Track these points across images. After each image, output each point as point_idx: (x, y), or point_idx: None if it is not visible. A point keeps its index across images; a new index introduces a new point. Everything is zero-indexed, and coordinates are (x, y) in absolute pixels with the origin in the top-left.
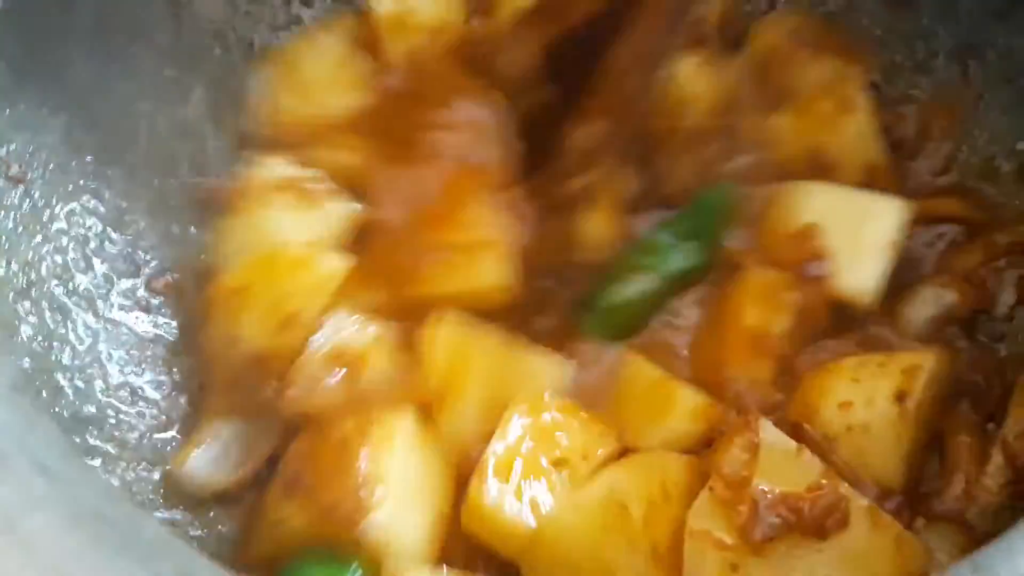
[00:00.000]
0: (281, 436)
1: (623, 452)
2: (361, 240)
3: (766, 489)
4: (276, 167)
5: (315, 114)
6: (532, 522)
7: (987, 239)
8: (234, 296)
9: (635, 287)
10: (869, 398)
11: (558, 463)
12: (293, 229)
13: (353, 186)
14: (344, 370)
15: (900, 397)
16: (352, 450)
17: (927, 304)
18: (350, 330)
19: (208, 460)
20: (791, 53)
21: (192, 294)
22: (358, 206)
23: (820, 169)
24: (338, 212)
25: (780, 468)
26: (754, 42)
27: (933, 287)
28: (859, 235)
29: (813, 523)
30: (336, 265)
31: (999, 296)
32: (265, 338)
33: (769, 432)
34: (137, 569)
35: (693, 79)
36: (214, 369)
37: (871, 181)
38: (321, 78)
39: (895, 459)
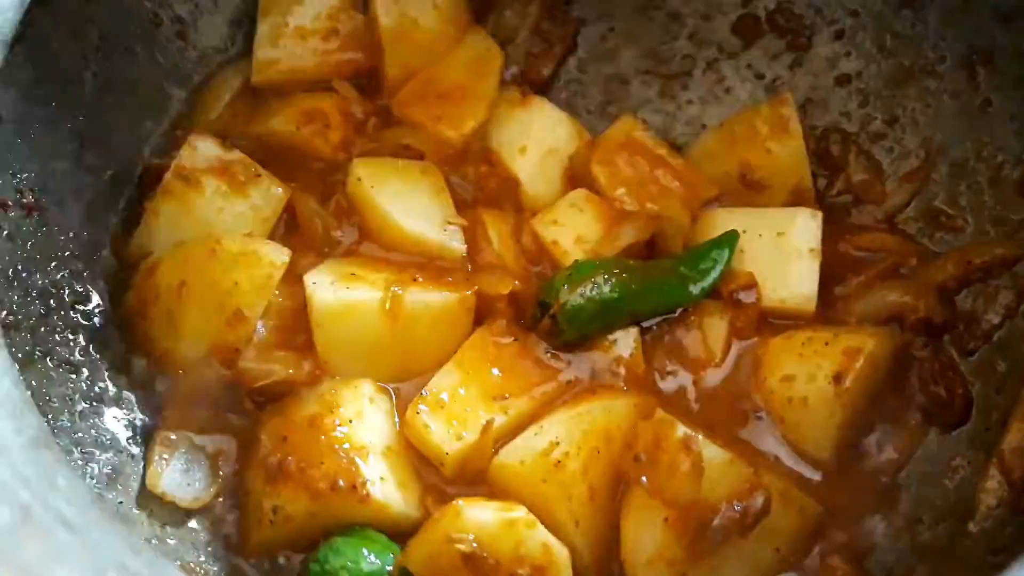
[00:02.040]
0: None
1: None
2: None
3: (717, 512)
4: (207, 149)
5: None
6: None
7: (960, 255)
8: (173, 291)
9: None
10: (811, 374)
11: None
12: (225, 217)
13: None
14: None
15: (838, 378)
16: (325, 426)
17: (868, 300)
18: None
19: (178, 477)
20: None
21: None
22: (279, 190)
23: (749, 189)
24: (266, 197)
25: (719, 480)
26: None
27: (878, 288)
28: (781, 249)
29: (749, 525)
30: (278, 258)
31: (983, 315)
32: (212, 335)
33: (707, 448)
34: None
35: None
36: (175, 382)
37: (798, 202)
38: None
39: (827, 433)
